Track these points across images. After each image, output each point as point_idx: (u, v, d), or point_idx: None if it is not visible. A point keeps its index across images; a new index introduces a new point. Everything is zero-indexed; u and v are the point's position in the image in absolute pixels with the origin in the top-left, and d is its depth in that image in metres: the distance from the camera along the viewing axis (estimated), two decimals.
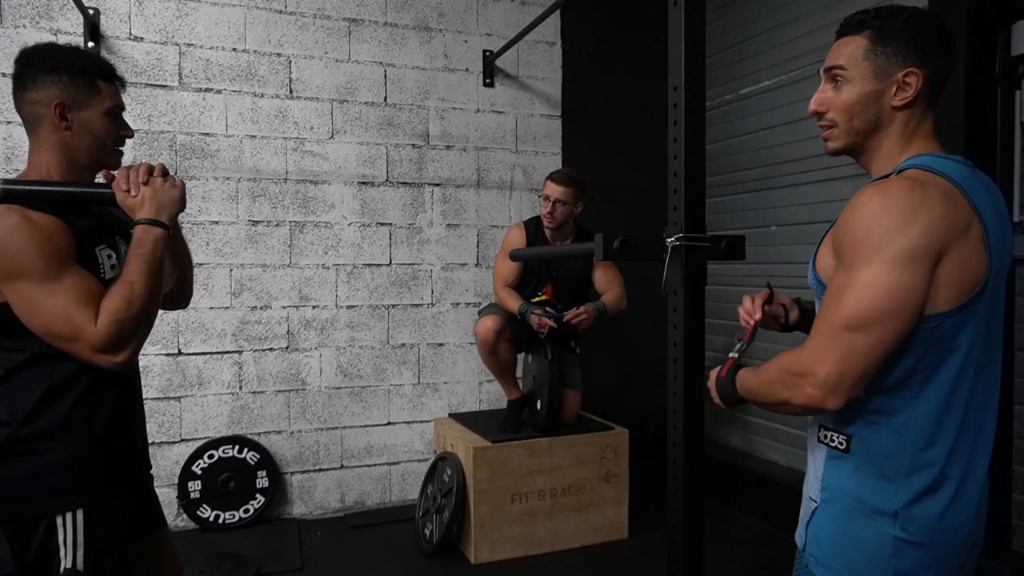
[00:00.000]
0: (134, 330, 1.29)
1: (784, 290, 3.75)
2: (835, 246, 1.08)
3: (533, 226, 3.17)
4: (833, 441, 1.14)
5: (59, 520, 1.32)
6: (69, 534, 1.32)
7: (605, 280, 3.19)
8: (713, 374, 1.33)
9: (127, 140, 1.49)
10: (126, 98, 3.16)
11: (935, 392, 1.06)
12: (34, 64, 1.37)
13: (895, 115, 1.12)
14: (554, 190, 3.01)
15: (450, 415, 3.59)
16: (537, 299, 3.17)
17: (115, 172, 1.40)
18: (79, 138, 1.38)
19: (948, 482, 1.08)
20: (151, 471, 1.62)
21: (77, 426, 1.34)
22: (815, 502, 1.18)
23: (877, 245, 1.00)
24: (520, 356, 3.33)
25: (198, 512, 3.21)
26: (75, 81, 1.37)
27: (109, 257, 1.39)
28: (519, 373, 3.42)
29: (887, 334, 1.00)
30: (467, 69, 3.68)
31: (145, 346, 1.53)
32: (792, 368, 1.07)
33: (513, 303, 3.07)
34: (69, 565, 1.31)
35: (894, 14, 1.11)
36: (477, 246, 3.74)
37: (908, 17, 1.11)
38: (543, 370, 3.07)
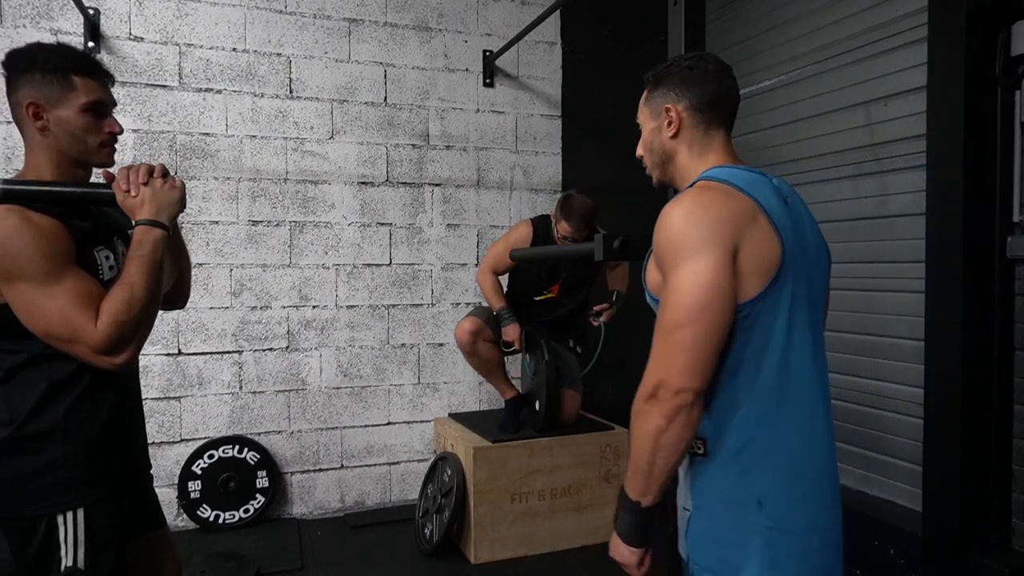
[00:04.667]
0: (134, 331, 1.29)
1: None
2: (657, 262, 1.17)
3: (543, 227, 3.13)
4: (693, 446, 1.16)
5: (60, 519, 1.32)
6: (70, 532, 1.32)
7: (620, 272, 3.29)
8: (616, 546, 1.20)
9: (117, 137, 1.44)
10: (127, 98, 3.19)
11: (765, 380, 1.13)
12: (12, 66, 1.36)
13: (675, 144, 1.30)
14: (568, 232, 2.94)
15: (450, 415, 3.59)
16: (543, 297, 3.17)
17: (115, 172, 1.40)
18: (59, 137, 1.36)
19: (797, 464, 1.14)
20: (151, 470, 1.63)
21: (77, 425, 1.34)
22: (688, 510, 1.20)
23: (681, 247, 1.10)
24: (520, 355, 3.34)
25: (198, 512, 3.21)
26: (48, 79, 1.34)
27: (107, 258, 1.39)
28: (517, 373, 3.42)
29: (712, 322, 1.08)
30: (467, 69, 3.68)
31: (145, 346, 1.53)
32: (645, 393, 1.11)
33: (496, 301, 3.08)
34: (69, 563, 1.32)
35: (661, 65, 1.34)
36: (477, 246, 3.74)
37: (669, 65, 1.33)
38: (540, 370, 3.07)
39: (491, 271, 3.12)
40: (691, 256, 1.08)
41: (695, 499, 1.19)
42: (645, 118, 1.36)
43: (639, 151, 1.39)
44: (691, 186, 1.21)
